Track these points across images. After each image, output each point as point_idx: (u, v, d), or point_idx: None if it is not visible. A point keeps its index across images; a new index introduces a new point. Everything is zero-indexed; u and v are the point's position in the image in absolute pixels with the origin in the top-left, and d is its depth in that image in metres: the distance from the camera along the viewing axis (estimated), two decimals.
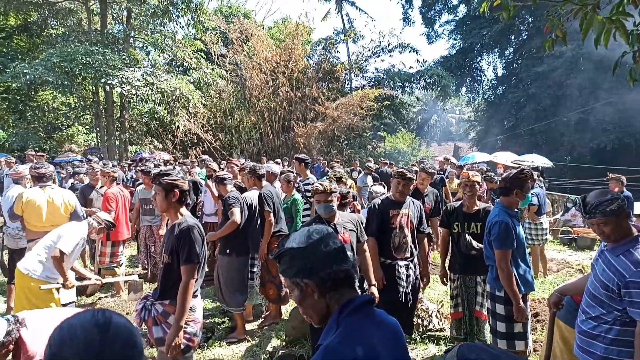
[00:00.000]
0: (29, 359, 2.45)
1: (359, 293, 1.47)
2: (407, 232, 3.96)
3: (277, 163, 10.92)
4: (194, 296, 2.83)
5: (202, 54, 18.87)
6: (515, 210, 3.53)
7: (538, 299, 5.47)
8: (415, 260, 4.07)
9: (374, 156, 21.74)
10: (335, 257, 1.34)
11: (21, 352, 2.47)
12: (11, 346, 2.45)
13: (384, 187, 5.93)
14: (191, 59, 17.56)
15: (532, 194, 6.58)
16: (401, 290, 3.86)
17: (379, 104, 19.75)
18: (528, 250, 6.83)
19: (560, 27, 3.42)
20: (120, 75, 13.70)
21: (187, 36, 21.10)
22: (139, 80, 14.09)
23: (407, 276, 3.92)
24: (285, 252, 1.37)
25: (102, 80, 13.62)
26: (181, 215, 2.87)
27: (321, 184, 3.50)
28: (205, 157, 8.50)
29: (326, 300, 1.34)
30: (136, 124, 18.36)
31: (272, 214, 4.86)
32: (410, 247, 3.98)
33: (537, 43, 25.91)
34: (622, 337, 2.29)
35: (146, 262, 6.35)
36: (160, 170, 2.98)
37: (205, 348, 4.28)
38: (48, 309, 3.17)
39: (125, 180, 9.18)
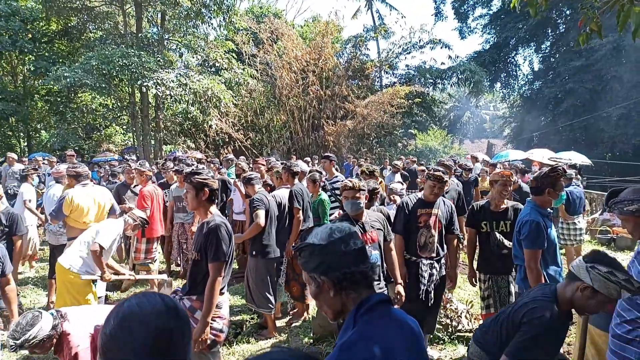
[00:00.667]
0: (71, 351, 2.57)
1: (379, 292, 1.48)
2: (434, 232, 3.92)
3: (305, 162, 10.97)
4: (221, 293, 2.89)
5: (234, 54, 19.16)
6: (549, 210, 3.43)
7: None
8: (442, 260, 4.02)
9: (404, 154, 21.55)
10: (354, 258, 1.35)
11: (64, 345, 2.60)
12: (55, 339, 2.58)
13: (402, 184, 5.86)
14: (222, 59, 17.86)
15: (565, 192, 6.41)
16: (422, 287, 3.83)
17: (410, 101, 19.51)
18: (562, 251, 6.64)
19: (595, 20, 3.30)
20: (155, 77, 14.04)
21: (219, 37, 21.48)
22: (172, 81, 14.43)
23: (430, 275, 3.87)
24: (306, 246, 1.39)
25: (138, 82, 14.00)
26: (210, 213, 2.94)
27: (350, 181, 3.50)
28: (231, 156, 8.61)
29: (342, 297, 1.36)
30: (170, 124, 18.83)
31: (301, 212, 4.94)
32: (437, 247, 3.94)
33: (575, 36, 24.87)
34: None
35: (179, 259, 6.52)
36: (192, 169, 3.06)
37: (234, 344, 4.38)
38: (86, 306, 3.31)
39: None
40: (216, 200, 3.03)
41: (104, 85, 14.01)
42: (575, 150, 16.39)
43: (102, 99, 18.43)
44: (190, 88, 14.69)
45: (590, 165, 14.16)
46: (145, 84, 14.00)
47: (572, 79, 24.85)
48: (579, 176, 8.75)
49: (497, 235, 3.98)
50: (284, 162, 5.97)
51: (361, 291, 1.36)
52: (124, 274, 4.32)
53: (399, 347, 1.27)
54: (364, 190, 3.46)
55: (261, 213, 4.56)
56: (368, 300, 1.34)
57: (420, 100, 21.58)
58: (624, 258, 7.81)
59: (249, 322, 4.94)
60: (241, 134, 17.94)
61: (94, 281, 4.14)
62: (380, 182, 7.68)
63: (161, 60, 15.67)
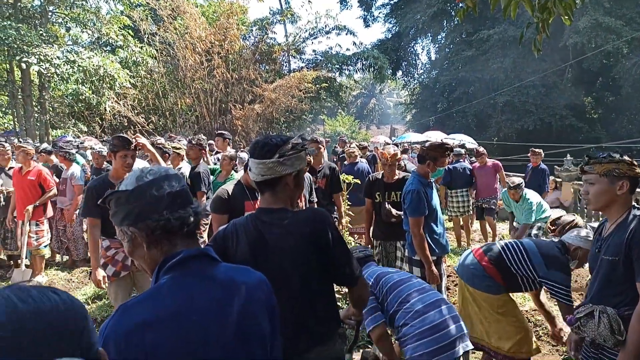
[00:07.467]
0: None
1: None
2: (302, 205, 4.16)
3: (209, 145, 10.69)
4: None
5: (130, 32, 17.88)
6: (430, 180, 3.68)
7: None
8: None
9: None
10: (168, 203, 1.15)
11: None
12: None
13: None
14: (117, 35, 16.57)
15: (446, 167, 7.02)
16: None
17: (317, 86, 19.78)
18: (450, 224, 7.23)
19: None
20: (38, 53, 12.69)
21: (113, 12, 19.87)
22: (59, 57, 13.12)
23: None
24: (112, 195, 1.18)
25: (17, 57, 12.59)
26: None
27: None
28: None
29: (159, 250, 1.18)
30: (58, 106, 17.15)
31: (204, 197, 4.91)
32: None
33: (468, 28, 26.99)
34: None
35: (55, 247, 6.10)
36: None
37: None
38: None
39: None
40: None
41: None
42: (466, 134, 17.82)
43: None
44: (79, 66, 13.47)
45: (478, 148, 15.48)
46: (24, 60, 12.58)
47: (464, 68, 26.86)
48: (466, 155, 9.57)
49: (387, 205, 4.21)
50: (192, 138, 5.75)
51: (176, 242, 1.19)
52: None
53: (206, 311, 1.13)
54: None
55: None
56: (174, 256, 1.16)
57: (327, 85, 21.95)
58: (504, 227, 8.72)
59: None
60: (142, 117, 16.89)
61: None
62: None
63: (44, 34, 14.15)
